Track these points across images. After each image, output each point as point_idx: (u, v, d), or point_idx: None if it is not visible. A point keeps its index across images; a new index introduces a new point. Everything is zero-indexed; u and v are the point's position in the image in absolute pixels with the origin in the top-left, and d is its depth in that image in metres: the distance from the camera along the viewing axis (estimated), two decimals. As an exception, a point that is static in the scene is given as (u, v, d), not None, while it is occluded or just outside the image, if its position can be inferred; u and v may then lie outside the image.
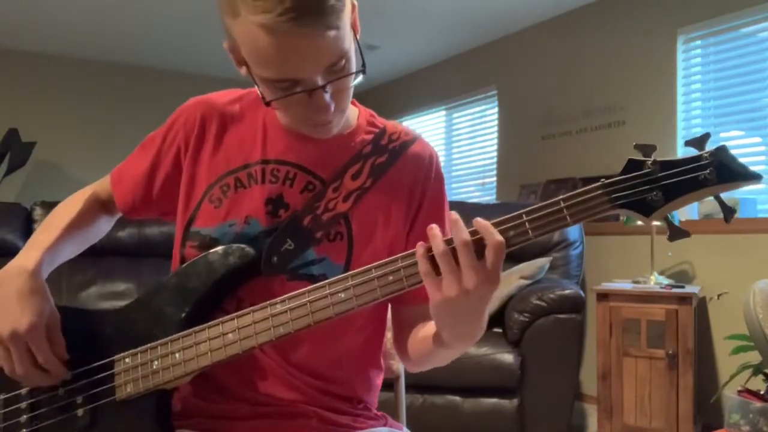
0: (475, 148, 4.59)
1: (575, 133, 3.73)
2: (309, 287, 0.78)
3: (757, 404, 1.32)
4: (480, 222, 0.71)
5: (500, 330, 2.70)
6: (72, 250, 0.97)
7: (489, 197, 4.39)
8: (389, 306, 0.98)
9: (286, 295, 0.78)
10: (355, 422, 0.92)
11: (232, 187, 0.91)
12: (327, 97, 0.79)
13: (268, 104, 0.81)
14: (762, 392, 1.39)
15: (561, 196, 0.71)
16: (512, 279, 2.81)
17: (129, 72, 5.03)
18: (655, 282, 2.84)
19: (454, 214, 0.72)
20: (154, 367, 0.82)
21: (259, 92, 0.82)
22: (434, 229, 0.72)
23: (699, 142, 0.70)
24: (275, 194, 0.90)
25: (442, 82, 4.81)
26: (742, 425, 1.32)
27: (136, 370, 0.83)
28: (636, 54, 3.42)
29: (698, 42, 3.21)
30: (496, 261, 0.70)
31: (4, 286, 0.84)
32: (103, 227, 1.04)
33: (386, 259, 0.75)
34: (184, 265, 0.88)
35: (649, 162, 0.70)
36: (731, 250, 2.90)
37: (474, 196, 4.55)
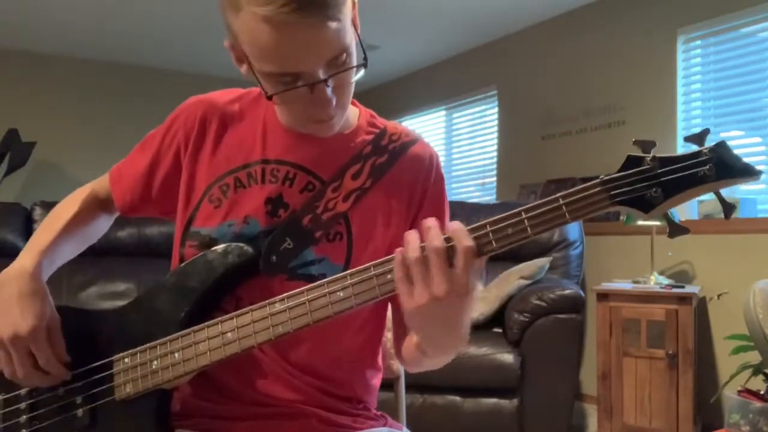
0: (475, 148, 4.59)
1: (575, 133, 3.73)
2: (308, 286, 0.78)
3: (757, 404, 1.32)
4: (453, 227, 0.71)
5: (500, 330, 2.70)
6: (72, 250, 0.97)
7: (489, 197, 4.39)
8: (389, 306, 0.98)
9: (284, 294, 0.78)
10: (354, 422, 0.92)
11: (232, 186, 0.90)
12: (329, 91, 0.79)
13: (270, 98, 0.80)
14: (762, 392, 1.38)
15: (560, 194, 0.71)
16: (512, 279, 2.81)
17: (129, 72, 5.02)
18: (655, 282, 2.84)
19: (431, 221, 0.72)
20: (154, 366, 0.82)
21: (261, 88, 0.82)
22: (410, 234, 0.72)
23: (699, 138, 0.70)
24: (275, 194, 0.89)
25: (442, 82, 4.81)
26: (742, 425, 1.32)
27: (136, 370, 0.83)
28: (636, 54, 3.42)
29: (698, 42, 3.21)
30: (466, 267, 0.69)
31: (5, 288, 0.84)
32: (102, 226, 1.04)
33: (385, 258, 0.75)
34: (182, 264, 0.88)
35: (648, 158, 0.70)
36: (731, 250, 2.90)
37: (474, 196, 4.55)
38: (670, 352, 2.57)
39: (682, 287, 2.74)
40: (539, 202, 0.71)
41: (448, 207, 0.98)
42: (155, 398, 0.83)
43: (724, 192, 0.70)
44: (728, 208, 0.70)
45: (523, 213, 0.71)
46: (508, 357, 2.47)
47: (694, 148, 0.69)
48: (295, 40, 0.73)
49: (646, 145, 0.71)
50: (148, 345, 0.83)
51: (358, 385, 0.95)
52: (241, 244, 0.86)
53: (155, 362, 0.82)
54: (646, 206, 0.70)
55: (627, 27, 3.47)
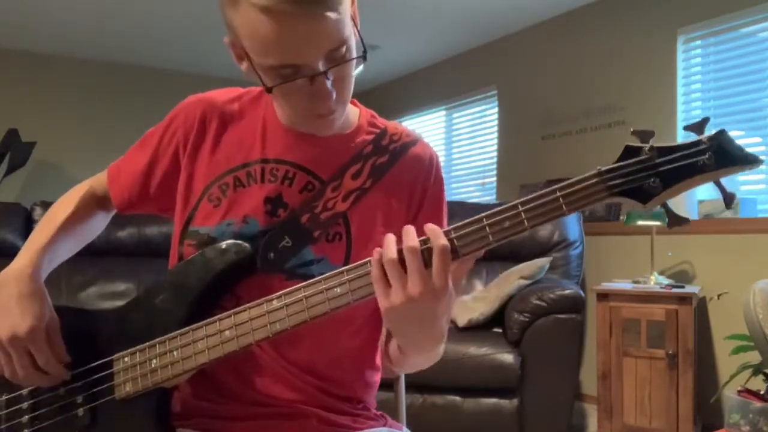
0: (475, 148, 4.59)
1: (575, 133, 3.73)
2: (304, 283, 0.77)
3: (757, 404, 1.32)
4: (429, 227, 0.71)
5: (500, 330, 2.70)
6: (70, 248, 0.97)
7: (489, 197, 4.39)
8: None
9: (281, 292, 0.78)
10: (354, 422, 0.91)
11: (231, 186, 0.90)
12: (328, 84, 0.79)
13: (269, 91, 0.80)
14: (762, 392, 1.38)
15: (557, 185, 0.70)
16: (512, 279, 2.81)
17: (129, 72, 5.02)
18: (655, 282, 2.84)
19: (408, 226, 0.72)
20: (153, 365, 0.82)
21: (261, 83, 0.82)
22: (389, 236, 0.72)
23: (698, 126, 0.68)
24: (274, 194, 0.89)
25: (442, 82, 4.81)
26: (742, 425, 1.32)
27: (135, 369, 0.83)
28: (636, 54, 3.42)
29: (698, 42, 3.21)
30: (441, 266, 0.69)
31: (4, 289, 0.84)
32: (99, 223, 1.04)
33: None
34: (181, 262, 0.88)
35: (646, 148, 0.69)
36: (731, 250, 2.90)
37: (474, 196, 4.55)
38: (670, 352, 2.57)
39: (682, 287, 2.74)
40: (536, 194, 0.70)
41: (446, 208, 0.97)
42: (155, 397, 0.83)
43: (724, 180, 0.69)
44: (728, 197, 0.69)
45: (519, 206, 0.71)
46: (508, 357, 2.47)
47: (694, 137, 0.68)
48: (294, 30, 0.73)
49: (645, 135, 0.70)
50: (147, 344, 0.83)
51: (357, 385, 0.95)
52: (239, 242, 0.86)
53: (154, 361, 0.82)
54: (644, 197, 0.69)
55: (627, 27, 3.47)
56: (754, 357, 1.47)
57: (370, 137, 0.94)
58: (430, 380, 2.43)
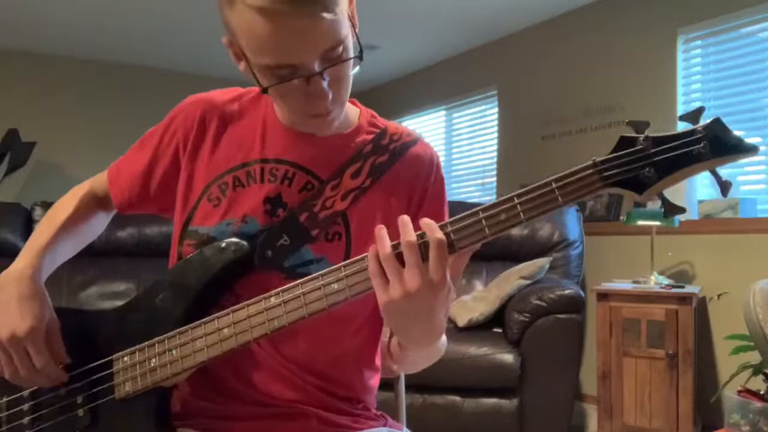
0: (475, 148, 4.59)
1: (575, 133, 3.73)
2: (302, 279, 0.77)
3: (757, 404, 1.32)
4: (424, 221, 0.71)
5: (500, 330, 2.70)
6: (70, 248, 0.97)
7: (489, 197, 4.39)
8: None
9: (279, 288, 0.78)
10: (355, 423, 0.91)
11: (231, 185, 0.90)
12: (324, 84, 0.79)
13: (265, 90, 0.80)
14: (762, 392, 1.39)
15: (552, 177, 0.70)
16: (512, 279, 2.81)
17: (129, 72, 5.02)
18: (655, 282, 2.84)
19: (405, 217, 0.72)
20: (152, 364, 0.82)
21: (257, 83, 0.82)
22: (382, 230, 0.72)
23: (693, 115, 0.68)
24: (274, 193, 0.89)
25: (442, 82, 4.81)
26: (742, 425, 1.32)
27: (135, 369, 0.83)
28: (636, 54, 3.42)
29: (698, 42, 3.21)
30: (438, 260, 0.69)
31: (4, 290, 0.85)
32: (100, 224, 1.04)
33: None
34: (180, 262, 0.88)
35: (641, 138, 0.68)
36: (731, 250, 2.90)
37: (474, 196, 4.55)
38: (670, 352, 2.57)
39: (682, 287, 2.74)
40: (532, 186, 0.70)
41: (447, 208, 0.97)
42: (155, 397, 0.83)
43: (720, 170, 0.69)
44: (724, 186, 0.68)
45: (515, 198, 0.70)
46: (508, 357, 2.47)
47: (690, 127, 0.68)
48: (290, 30, 0.73)
49: (640, 126, 0.69)
50: (146, 343, 0.83)
51: (357, 385, 0.95)
52: (237, 240, 0.86)
53: (154, 360, 0.82)
54: (639, 187, 0.69)
55: (627, 27, 3.47)
56: (754, 357, 1.47)
57: (369, 137, 0.94)
58: (430, 380, 2.43)
